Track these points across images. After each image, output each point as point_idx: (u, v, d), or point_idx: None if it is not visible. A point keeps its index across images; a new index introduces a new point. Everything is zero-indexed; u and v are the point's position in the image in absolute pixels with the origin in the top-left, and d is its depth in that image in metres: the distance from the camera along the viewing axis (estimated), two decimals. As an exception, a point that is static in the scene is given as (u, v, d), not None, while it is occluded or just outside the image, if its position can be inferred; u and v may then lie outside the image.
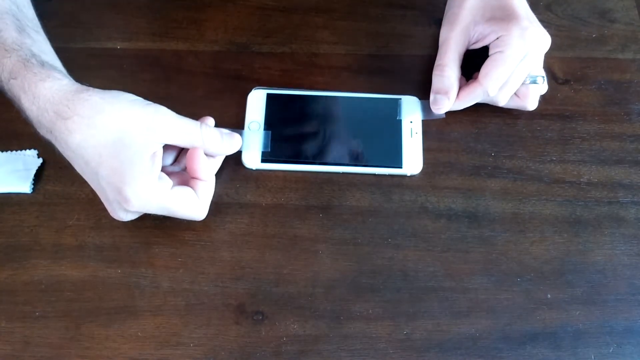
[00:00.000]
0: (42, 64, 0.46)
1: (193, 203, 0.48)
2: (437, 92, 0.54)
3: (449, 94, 0.54)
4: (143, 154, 0.45)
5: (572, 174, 0.54)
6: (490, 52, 0.52)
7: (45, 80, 0.45)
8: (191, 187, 0.49)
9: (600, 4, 0.63)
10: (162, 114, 0.47)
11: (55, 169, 0.54)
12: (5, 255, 0.50)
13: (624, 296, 0.49)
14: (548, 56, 0.54)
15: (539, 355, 0.47)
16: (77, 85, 0.46)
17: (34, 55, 0.47)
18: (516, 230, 0.51)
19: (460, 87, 0.54)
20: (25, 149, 0.54)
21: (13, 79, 0.45)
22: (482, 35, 0.54)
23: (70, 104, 0.44)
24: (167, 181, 0.47)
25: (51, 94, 0.45)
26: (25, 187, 0.53)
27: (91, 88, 0.46)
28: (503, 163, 0.54)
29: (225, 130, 0.51)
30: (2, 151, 0.54)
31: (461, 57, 0.55)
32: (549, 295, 0.49)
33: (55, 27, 0.53)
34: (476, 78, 0.53)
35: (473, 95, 0.54)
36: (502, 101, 0.54)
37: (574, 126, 0.56)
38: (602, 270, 0.50)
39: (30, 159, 0.54)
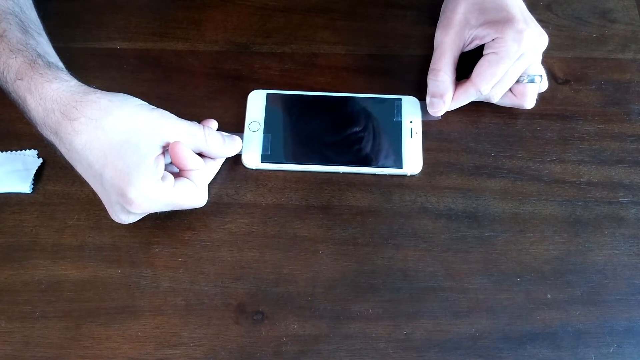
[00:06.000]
0: (49, 65, 0.46)
1: (194, 192, 0.49)
2: (433, 96, 0.55)
3: (444, 97, 0.54)
4: (148, 157, 0.45)
5: (572, 174, 0.54)
6: (485, 52, 0.53)
7: (52, 82, 0.45)
8: (186, 177, 0.49)
9: (601, 4, 0.63)
10: (167, 118, 0.47)
11: (55, 169, 0.54)
12: (5, 255, 0.50)
13: (624, 296, 0.49)
14: (548, 56, 0.55)
15: (539, 355, 0.47)
16: (85, 87, 0.46)
17: (39, 56, 0.47)
18: (516, 230, 0.51)
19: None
20: (25, 149, 0.54)
21: (19, 79, 0.46)
22: (476, 37, 0.54)
23: (78, 106, 0.45)
24: (170, 179, 0.47)
25: (58, 95, 0.45)
26: (25, 187, 0.53)
27: (98, 90, 0.46)
28: (503, 163, 0.54)
29: (225, 134, 0.52)
30: (2, 151, 0.54)
31: (456, 60, 0.55)
32: (549, 295, 0.49)
33: (55, 27, 0.53)
34: (469, 77, 0.53)
35: (466, 95, 0.54)
36: (495, 98, 0.54)
37: (574, 126, 0.56)
38: (602, 270, 0.50)
39: (30, 159, 0.54)
